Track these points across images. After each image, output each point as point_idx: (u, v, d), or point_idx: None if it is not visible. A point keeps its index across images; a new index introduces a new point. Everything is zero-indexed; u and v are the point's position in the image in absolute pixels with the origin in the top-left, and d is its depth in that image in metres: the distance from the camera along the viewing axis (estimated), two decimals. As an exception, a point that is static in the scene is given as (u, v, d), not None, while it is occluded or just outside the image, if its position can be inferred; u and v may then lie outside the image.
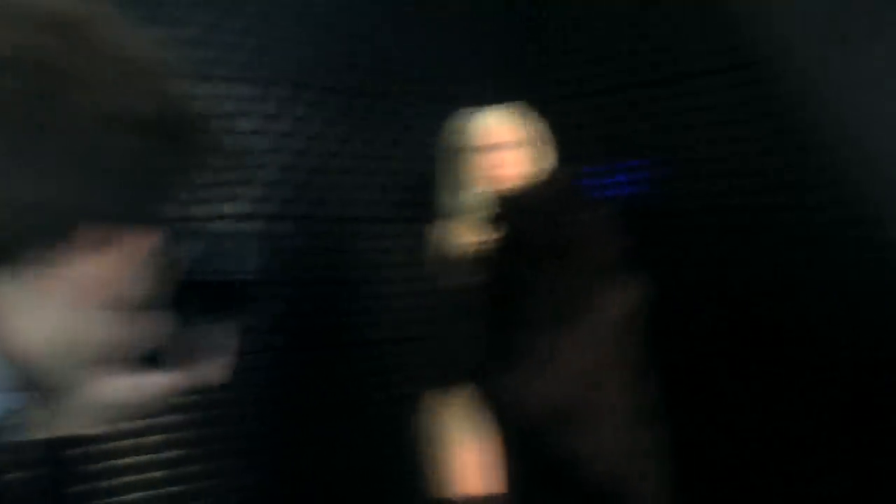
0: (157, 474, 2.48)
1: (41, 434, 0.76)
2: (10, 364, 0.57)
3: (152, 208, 0.62)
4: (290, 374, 2.74)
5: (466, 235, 2.39)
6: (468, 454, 2.31)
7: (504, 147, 2.43)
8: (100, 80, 0.55)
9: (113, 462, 2.39)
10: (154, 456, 2.48)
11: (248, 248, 0.86)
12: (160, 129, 0.58)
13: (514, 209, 2.32)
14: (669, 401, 2.29)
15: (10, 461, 0.75)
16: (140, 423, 2.38)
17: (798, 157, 2.41)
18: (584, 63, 2.99)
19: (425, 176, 2.87)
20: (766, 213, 2.51)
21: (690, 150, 2.69)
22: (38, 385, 0.60)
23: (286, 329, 2.70)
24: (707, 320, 2.63)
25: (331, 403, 2.78)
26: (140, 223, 0.61)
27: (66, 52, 0.55)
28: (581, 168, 2.95)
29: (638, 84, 2.81)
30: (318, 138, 2.82)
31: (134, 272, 0.62)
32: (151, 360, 0.79)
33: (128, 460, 2.42)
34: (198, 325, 0.83)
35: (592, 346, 2.13)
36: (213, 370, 0.84)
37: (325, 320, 2.83)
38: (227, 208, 2.49)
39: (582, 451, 2.17)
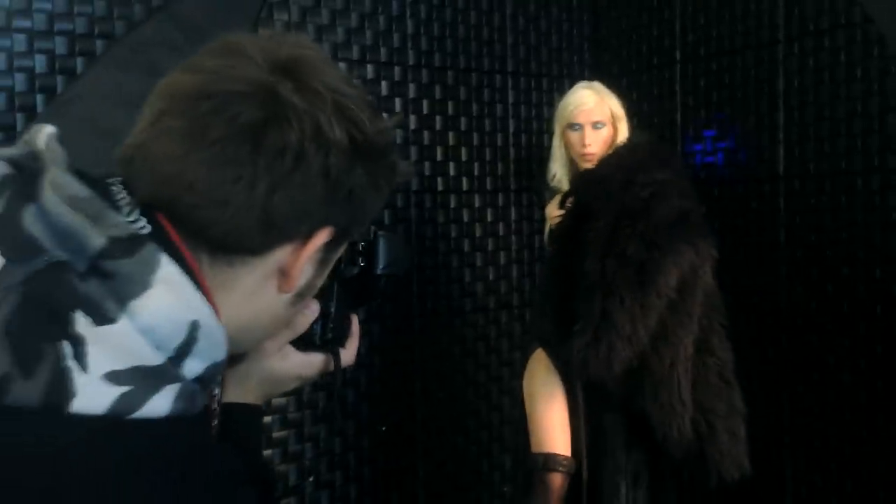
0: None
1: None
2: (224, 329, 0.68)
3: (351, 219, 0.75)
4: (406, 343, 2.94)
5: (554, 209, 2.46)
6: (552, 413, 2.38)
7: (593, 122, 2.45)
8: (319, 109, 0.68)
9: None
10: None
11: (400, 249, 0.98)
12: (357, 157, 0.70)
13: (583, 182, 2.37)
14: (742, 362, 2.31)
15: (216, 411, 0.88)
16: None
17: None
18: (665, 36, 2.97)
19: (531, 149, 3.04)
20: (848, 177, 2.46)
21: (771, 117, 2.64)
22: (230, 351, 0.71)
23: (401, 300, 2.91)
24: (790, 287, 2.59)
25: (443, 368, 3.01)
26: (348, 228, 0.75)
27: (291, 88, 0.68)
28: (657, 137, 2.95)
29: (725, 51, 2.78)
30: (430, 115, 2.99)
31: (317, 265, 0.77)
32: (311, 341, 0.91)
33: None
34: (345, 312, 0.95)
35: (657, 309, 2.16)
36: (351, 352, 0.97)
37: (442, 289, 3.02)
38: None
39: (651, 411, 2.23)
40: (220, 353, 0.68)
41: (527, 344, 2.62)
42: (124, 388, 0.60)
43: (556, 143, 2.56)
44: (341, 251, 0.81)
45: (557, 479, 2.31)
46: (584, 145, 2.43)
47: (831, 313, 2.49)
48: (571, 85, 2.64)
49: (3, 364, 0.58)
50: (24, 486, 0.57)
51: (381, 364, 2.85)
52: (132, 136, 0.70)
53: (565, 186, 2.53)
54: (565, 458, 2.33)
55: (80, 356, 0.59)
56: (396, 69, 2.89)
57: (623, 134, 2.47)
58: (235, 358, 0.86)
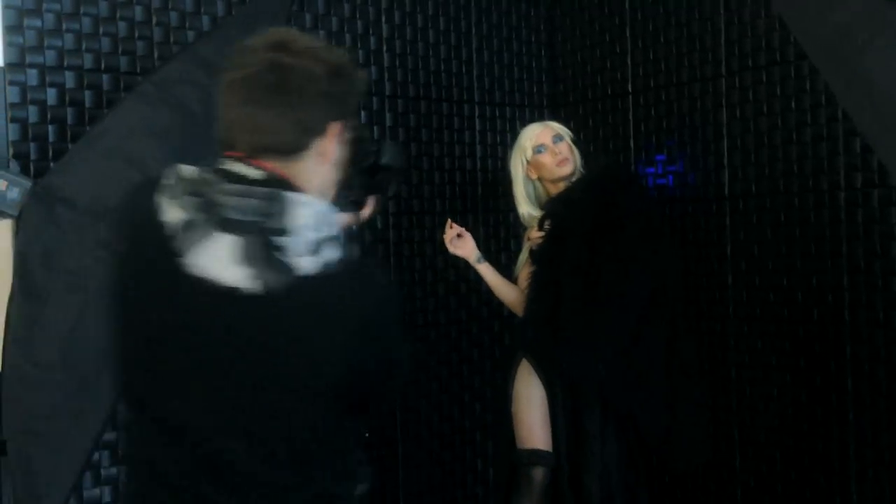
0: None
1: None
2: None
3: (346, 110, 1.29)
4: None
5: (534, 231, 2.69)
6: (535, 413, 2.62)
7: (552, 136, 2.69)
8: (307, 60, 1.21)
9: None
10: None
11: (397, 150, 1.77)
12: (334, 77, 1.23)
13: (558, 205, 2.61)
14: (707, 359, 2.55)
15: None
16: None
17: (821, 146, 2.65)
18: (626, 66, 3.27)
19: (496, 173, 3.28)
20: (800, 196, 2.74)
21: (718, 143, 2.94)
22: None
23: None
24: (748, 299, 2.86)
25: (420, 377, 3.25)
26: (345, 117, 1.29)
27: (285, 55, 1.21)
28: (619, 161, 3.22)
29: (673, 84, 3.07)
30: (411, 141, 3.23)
31: (340, 145, 1.30)
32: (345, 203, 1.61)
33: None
34: (362, 189, 1.72)
35: (634, 315, 2.42)
36: (367, 211, 1.78)
37: (419, 303, 3.28)
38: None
39: (632, 407, 2.49)
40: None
41: (512, 352, 2.85)
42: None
43: (519, 185, 2.78)
44: (349, 134, 1.32)
45: (540, 473, 2.56)
46: (555, 155, 2.66)
47: (774, 318, 2.77)
48: (531, 113, 2.86)
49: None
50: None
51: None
52: (220, 120, 1.24)
53: (537, 216, 2.75)
54: (547, 453, 2.57)
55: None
56: (374, 99, 3.12)
57: (576, 152, 2.73)
58: None
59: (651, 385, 2.46)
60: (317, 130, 1.24)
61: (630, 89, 3.29)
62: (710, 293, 2.94)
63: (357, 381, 1.22)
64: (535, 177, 2.75)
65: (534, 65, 3.62)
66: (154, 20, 2.63)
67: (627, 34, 3.30)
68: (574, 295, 2.38)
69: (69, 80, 2.50)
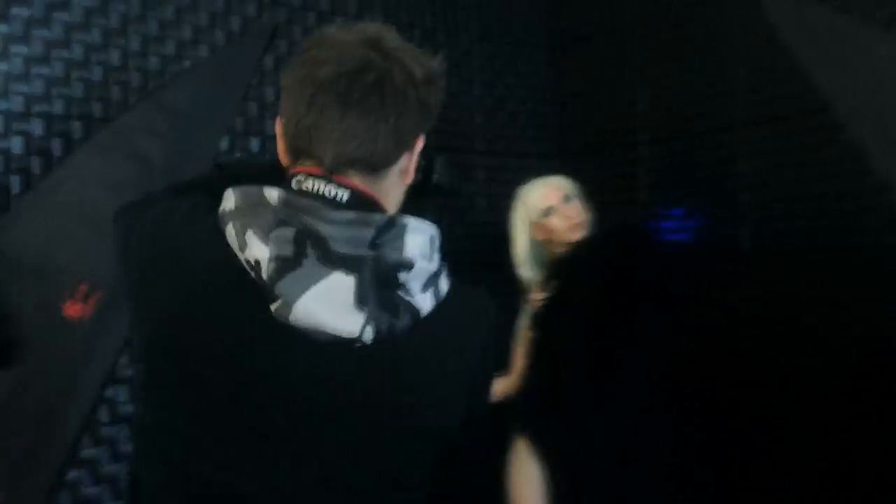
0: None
1: None
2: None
3: (430, 125, 1.11)
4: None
5: (536, 292, 2.47)
6: (531, 492, 2.36)
7: (562, 196, 2.49)
8: (403, 63, 1.03)
9: None
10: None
11: (447, 167, 1.42)
12: (430, 84, 1.06)
13: (561, 265, 2.40)
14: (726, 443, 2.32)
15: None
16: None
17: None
18: (636, 115, 3.07)
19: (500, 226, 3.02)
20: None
21: (736, 197, 2.73)
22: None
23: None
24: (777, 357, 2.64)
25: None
26: (427, 130, 1.11)
27: (381, 56, 1.02)
28: (631, 218, 3.02)
29: (687, 134, 2.88)
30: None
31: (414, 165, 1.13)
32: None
33: None
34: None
35: (639, 393, 2.18)
36: None
37: None
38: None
39: (634, 492, 2.24)
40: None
41: (507, 430, 2.60)
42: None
43: (521, 246, 2.56)
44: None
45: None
46: (567, 219, 2.43)
47: (799, 384, 2.55)
48: (539, 163, 2.65)
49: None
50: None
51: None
52: (293, 125, 1.04)
53: (539, 278, 2.53)
54: None
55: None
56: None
57: (586, 211, 2.51)
58: None
59: (657, 472, 2.21)
60: (408, 143, 1.09)
61: (641, 139, 3.10)
62: (728, 359, 2.71)
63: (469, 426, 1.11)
64: (540, 238, 2.54)
65: (540, 112, 3.44)
66: (131, 64, 2.47)
67: (638, 80, 3.11)
68: (576, 368, 2.15)
69: (37, 126, 2.33)
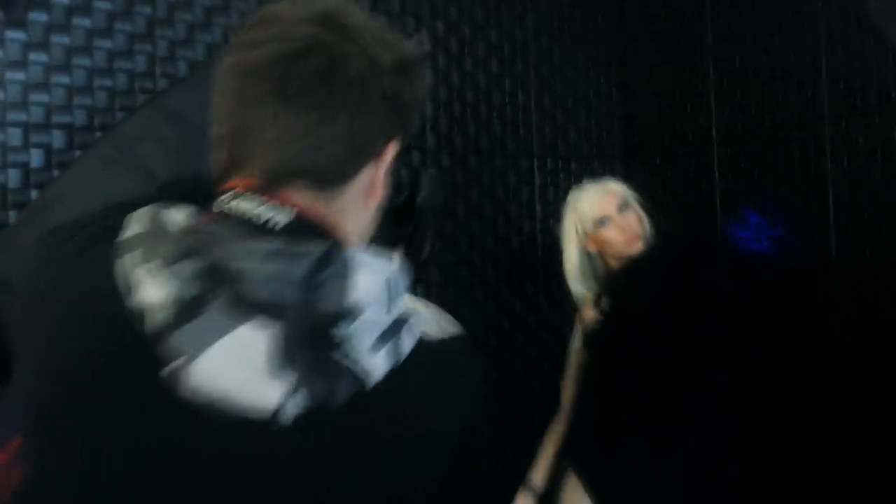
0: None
1: None
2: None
3: (405, 128, 0.86)
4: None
5: (588, 310, 2.23)
6: None
7: (617, 206, 2.25)
8: (365, 45, 0.79)
9: None
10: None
11: (437, 185, 1.16)
12: (401, 73, 0.82)
13: (616, 280, 2.16)
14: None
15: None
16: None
17: None
18: (709, 109, 2.80)
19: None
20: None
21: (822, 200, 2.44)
22: None
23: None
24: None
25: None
26: (405, 134, 0.86)
27: (336, 36, 0.78)
28: (697, 227, 2.75)
29: (765, 128, 2.59)
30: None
31: (387, 180, 0.87)
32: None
33: None
34: (388, 240, 1.07)
35: (706, 430, 1.91)
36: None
37: None
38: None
39: None
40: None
41: (559, 463, 2.37)
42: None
43: (572, 258, 2.33)
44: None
45: None
46: (624, 231, 2.21)
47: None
48: (603, 165, 2.42)
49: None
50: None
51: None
52: (218, 125, 0.81)
53: (592, 294, 2.31)
54: None
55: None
56: (415, 154, 2.73)
57: (645, 220, 2.27)
58: None
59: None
60: (370, 150, 0.82)
61: (714, 136, 2.82)
62: (816, 384, 2.42)
63: None
64: (593, 250, 2.29)
65: (604, 109, 3.18)
66: (157, 71, 2.33)
67: (710, 71, 2.83)
68: (632, 402, 1.90)
69: (58, 138, 2.21)
